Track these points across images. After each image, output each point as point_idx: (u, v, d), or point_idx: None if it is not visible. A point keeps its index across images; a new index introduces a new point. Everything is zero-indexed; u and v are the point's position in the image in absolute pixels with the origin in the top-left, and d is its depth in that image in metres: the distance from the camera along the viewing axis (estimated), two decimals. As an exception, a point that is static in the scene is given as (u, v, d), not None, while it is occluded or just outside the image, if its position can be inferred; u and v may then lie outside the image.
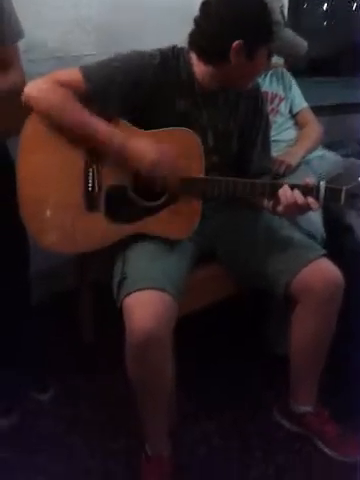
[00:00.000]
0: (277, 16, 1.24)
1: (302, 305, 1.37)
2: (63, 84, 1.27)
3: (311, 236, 1.52)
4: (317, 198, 1.25)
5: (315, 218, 1.67)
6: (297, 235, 1.45)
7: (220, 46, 1.26)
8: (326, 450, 1.47)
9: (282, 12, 1.26)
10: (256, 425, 1.57)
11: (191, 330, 1.54)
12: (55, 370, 1.72)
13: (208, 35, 1.28)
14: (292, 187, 1.27)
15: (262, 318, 1.76)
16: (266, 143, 1.53)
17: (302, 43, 1.31)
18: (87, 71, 1.29)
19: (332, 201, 1.26)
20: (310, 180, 1.28)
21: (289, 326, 1.42)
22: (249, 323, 1.91)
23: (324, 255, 1.38)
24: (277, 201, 1.29)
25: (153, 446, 1.37)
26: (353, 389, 1.58)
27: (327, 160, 1.97)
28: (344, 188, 1.24)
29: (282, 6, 1.26)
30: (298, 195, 1.25)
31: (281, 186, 1.28)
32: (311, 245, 1.43)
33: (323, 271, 1.35)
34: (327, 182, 1.27)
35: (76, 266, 1.76)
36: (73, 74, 1.29)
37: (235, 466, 1.45)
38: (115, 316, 1.24)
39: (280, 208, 1.28)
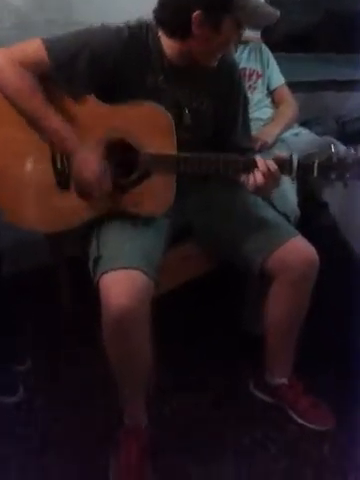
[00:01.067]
0: None
1: (277, 282, 1.40)
2: (25, 61, 1.24)
3: (285, 215, 1.53)
4: (290, 170, 1.26)
5: (290, 197, 1.68)
6: (272, 214, 1.46)
7: (182, 19, 1.23)
8: (300, 420, 1.53)
9: None
10: (233, 397, 1.62)
11: (172, 306, 1.58)
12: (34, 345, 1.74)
13: (169, 9, 1.25)
14: (265, 160, 1.26)
15: (238, 299, 1.78)
16: (246, 122, 1.51)
17: (272, 11, 1.25)
18: (51, 46, 1.25)
19: (305, 173, 1.26)
20: (281, 153, 1.27)
21: (264, 303, 1.45)
22: (227, 301, 1.93)
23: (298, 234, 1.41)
24: (251, 176, 1.28)
25: (130, 417, 1.40)
26: (325, 363, 1.64)
27: (302, 138, 1.98)
28: (317, 160, 1.24)
29: None
30: (273, 164, 1.25)
31: (254, 161, 1.27)
32: (286, 224, 1.45)
33: (298, 249, 1.38)
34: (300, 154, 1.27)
35: (51, 242, 1.73)
36: (36, 48, 1.25)
37: (212, 436, 1.49)
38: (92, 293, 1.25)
39: (258, 178, 1.26)
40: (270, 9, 1.26)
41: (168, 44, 1.30)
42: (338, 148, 1.27)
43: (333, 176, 1.24)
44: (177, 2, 1.23)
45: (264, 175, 1.25)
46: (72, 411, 1.55)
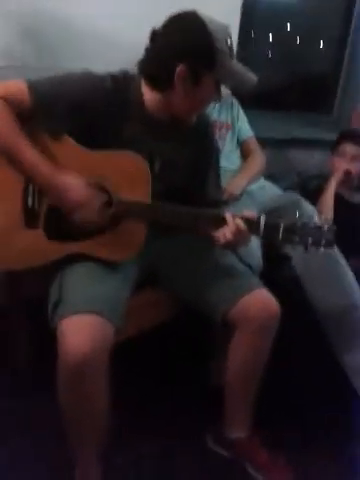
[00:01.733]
0: (222, 45, 1.24)
1: (238, 332, 1.40)
2: (7, 97, 1.25)
3: (249, 266, 1.55)
4: (257, 231, 1.29)
5: (255, 249, 1.71)
6: (237, 264, 1.49)
7: (165, 72, 1.27)
8: (257, 475, 1.50)
9: (229, 44, 1.26)
10: (189, 450, 1.58)
11: (130, 353, 1.53)
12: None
13: (154, 61, 1.30)
14: (234, 218, 1.29)
15: (203, 350, 1.77)
16: (217, 174, 1.54)
17: (251, 76, 1.32)
18: (34, 86, 1.27)
19: (271, 235, 1.29)
20: (249, 213, 1.30)
21: (225, 354, 1.44)
22: (187, 352, 1.91)
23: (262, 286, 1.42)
24: (219, 231, 1.30)
25: (81, 471, 1.34)
26: (285, 415, 1.63)
27: (268, 191, 2.04)
28: (282, 224, 1.28)
29: (228, 38, 1.26)
30: (241, 223, 1.28)
31: (224, 216, 1.30)
32: (250, 276, 1.47)
33: (261, 300, 1.39)
34: (267, 215, 1.30)
35: (6, 282, 1.67)
36: (19, 88, 1.27)
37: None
38: (49, 337, 1.21)
39: (227, 235, 1.28)
40: (250, 75, 1.32)
41: (150, 97, 1.33)
42: (302, 211, 1.31)
43: (296, 239, 1.28)
44: (163, 55, 1.27)
45: (233, 233, 1.28)
46: (20, 466, 1.46)
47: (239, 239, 1.29)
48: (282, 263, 1.82)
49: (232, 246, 1.33)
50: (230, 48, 1.27)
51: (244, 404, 1.50)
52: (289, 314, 1.43)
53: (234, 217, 1.29)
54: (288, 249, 1.80)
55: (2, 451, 1.50)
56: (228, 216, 1.29)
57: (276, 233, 1.28)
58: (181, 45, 1.25)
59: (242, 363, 1.43)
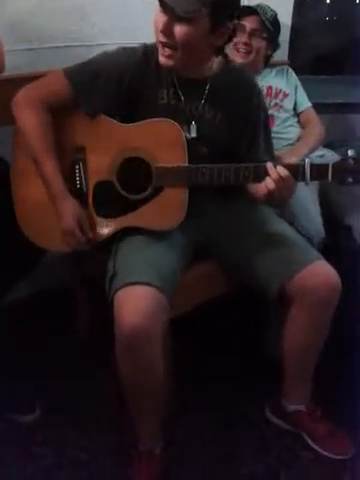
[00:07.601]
0: None
1: (297, 306, 1.37)
2: (48, 98, 1.35)
3: (309, 236, 1.51)
4: (303, 176, 1.24)
5: (315, 217, 1.66)
6: (293, 236, 1.43)
7: None
8: (316, 447, 1.49)
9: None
10: (248, 421, 1.59)
11: (189, 324, 1.55)
12: (50, 364, 1.73)
13: None
14: (276, 166, 1.25)
15: (260, 323, 1.75)
16: (267, 138, 1.49)
17: None
18: (71, 74, 1.34)
19: (320, 178, 1.24)
20: (292, 159, 1.27)
21: (283, 326, 1.42)
22: (246, 322, 1.91)
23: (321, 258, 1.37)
24: (263, 183, 1.27)
25: (145, 442, 1.37)
26: (347, 389, 1.60)
27: (327, 160, 1.97)
28: (330, 163, 1.22)
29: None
30: (283, 169, 1.24)
31: (265, 168, 1.26)
32: (308, 248, 1.41)
33: (320, 273, 1.34)
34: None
35: (70, 262, 1.75)
36: (57, 81, 1.35)
37: (225, 462, 1.46)
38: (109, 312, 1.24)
39: (269, 184, 1.24)
40: None
41: None
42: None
43: (350, 180, 1.21)
44: None
45: (275, 181, 1.24)
46: (88, 433, 1.52)
47: (282, 187, 1.25)
48: (343, 234, 1.77)
49: (277, 197, 1.27)
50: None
51: (302, 378, 1.48)
52: (350, 287, 1.39)
53: (276, 165, 1.25)
54: (349, 219, 1.74)
55: (66, 417, 1.57)
56: (269, 164, 1.25)
57: (325, 175, 1.22)
58: None
59: (301, 338, 1.40)
